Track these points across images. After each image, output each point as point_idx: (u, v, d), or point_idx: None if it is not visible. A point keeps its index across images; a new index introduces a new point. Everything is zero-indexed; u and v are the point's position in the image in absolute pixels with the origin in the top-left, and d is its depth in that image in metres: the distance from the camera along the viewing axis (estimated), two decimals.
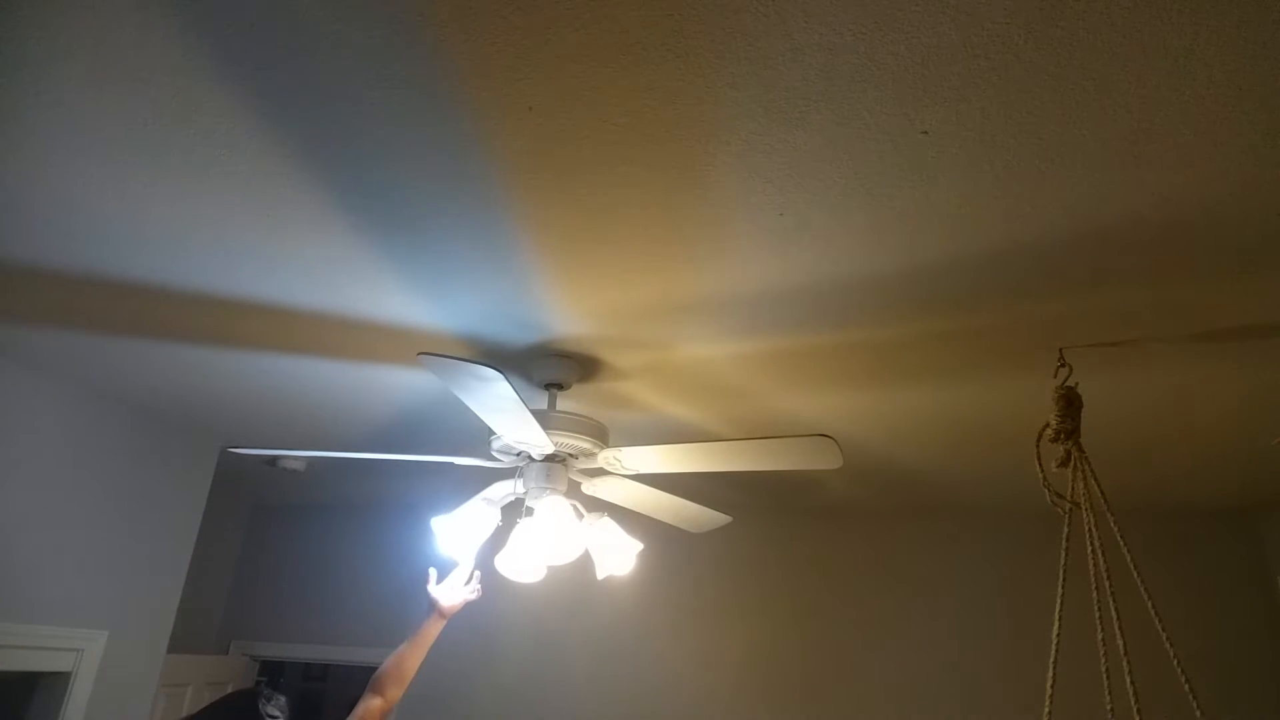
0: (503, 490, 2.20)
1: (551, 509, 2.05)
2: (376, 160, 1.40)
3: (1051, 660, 1.55)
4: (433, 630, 2.22)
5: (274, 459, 3.60)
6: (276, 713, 1.92)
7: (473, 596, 2.31)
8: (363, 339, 2.18)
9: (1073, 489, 1.69)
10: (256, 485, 4.24)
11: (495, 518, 2.20)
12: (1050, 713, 1.51)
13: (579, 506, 2.24)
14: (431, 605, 2.25)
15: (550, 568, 2.12)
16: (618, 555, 2.23)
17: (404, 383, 2.51)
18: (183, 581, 3.16)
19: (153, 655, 3.02)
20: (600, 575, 2.28)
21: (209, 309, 2.04)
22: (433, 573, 2.30)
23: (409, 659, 2.15)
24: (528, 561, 2.11)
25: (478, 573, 2.33)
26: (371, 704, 2.05)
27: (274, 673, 4.73)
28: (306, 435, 3.10)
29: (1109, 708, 1.47)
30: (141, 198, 1.56)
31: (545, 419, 1.98)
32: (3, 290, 2.00)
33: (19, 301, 2.07)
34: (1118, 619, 1.51)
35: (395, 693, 2.10)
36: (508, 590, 4.00)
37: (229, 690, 4.12)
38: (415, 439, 3.05)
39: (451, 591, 2.28)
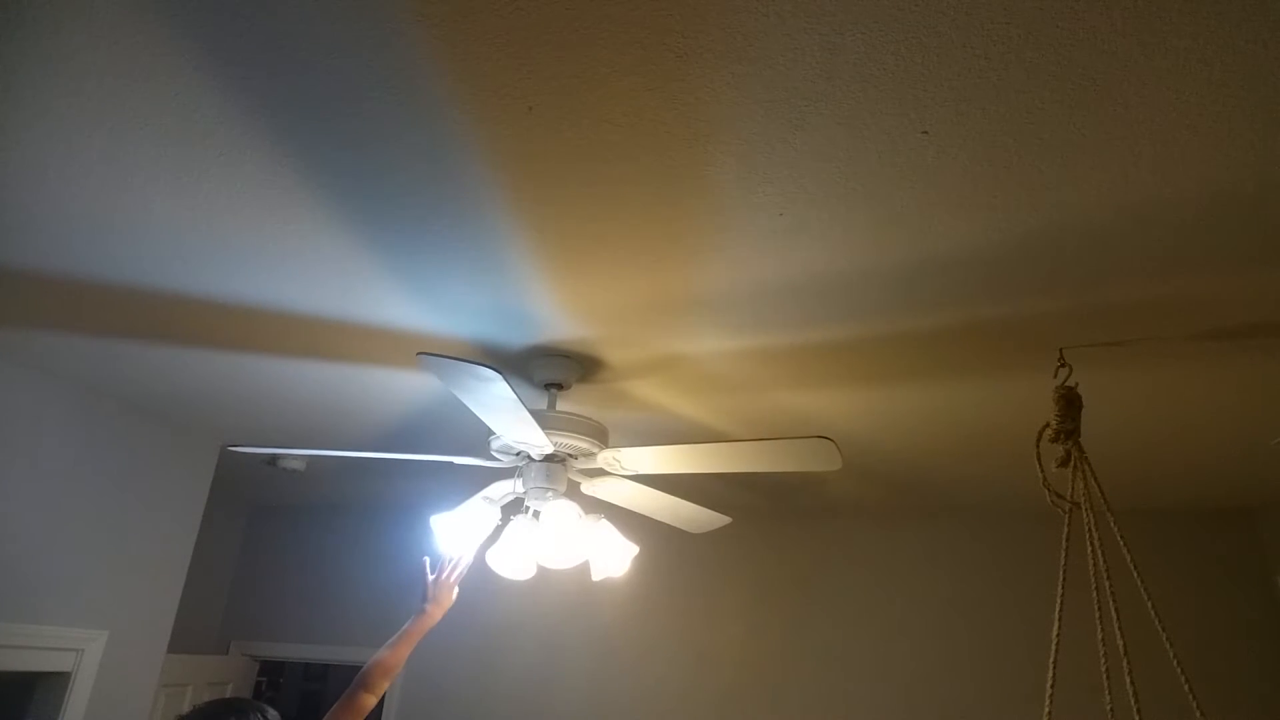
0: (502, 490, 2.21)
1: (558, 513, 2.05)
2: (376, 161, 1.40)
3: (1051, 660, 1.55)
4: (424, 626, 2.19)
5: (274, 459, 3.60)
6: None
7: (452, 597, 2.29)
8: (363, 341, 2.18)
9: (1073, 489, 1.69)
10: (256, 486, 4.24)
11: (495, 516, 2.21)
12: (1050, 713, 1.51)
13: (578, 508, 2.25)
14: (426, 598, 2.23)
15: (550, 570, 2.13)
16: (613, 557, 2.23)
17: (404, 383, 2.51)
18: (183, 581, 3.16)
19: (153, 655, 3.02)
20: (596, 577, 2.29)
21: (208, 310, 2.04)
22: (428, 562, 2.28)
23: (399, 653, 2.13)
24: (519, 558, 2.11)
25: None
26: (364, 700, 2.03)
27: (274, 673, 4.73)
28: (306, 435, 3.10)
29: (1109, 708, 1.47)
30: (142, 199, 1.56)
31: (545, 419, 1.98)
32: (3, 291, 2.01)
33: (20, 302, 2.07)
34: (1118, 619, 1.51)
35: (383, 686, 2.09)
36: (508, 592, 4.01)
37: (229, 693, 4.12)
38: (415, 439, 3.05)
39: (448, 586, 2.26)
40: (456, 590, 2.30)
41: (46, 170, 1.49)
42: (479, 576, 3.84)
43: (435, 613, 2.22)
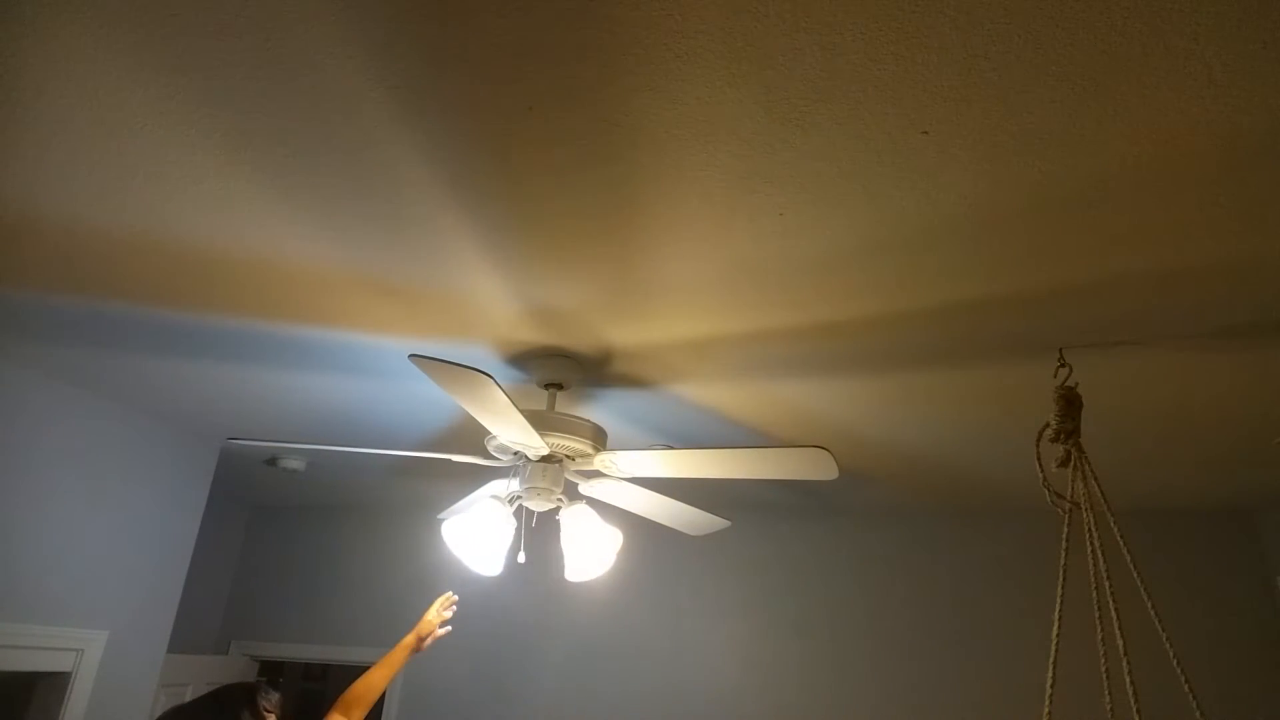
0: (500, 489, 2.20)
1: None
2: (381, 156, 1.40)
3: (1051, 660, 1.55)
4: (403, 656, 2.35)
5: (274, 459, 3.60)
6: (272, 709, 1.93)
7: (442, 632, 2.45)
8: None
9: (1073, 489, 1.69)
10: (256, 486, 4.23)
11: (509, 517, 2.17)
12: (1050, 713, 1.51)
13: (564, 499, 2.21)
14: (415, 629, 2.41)
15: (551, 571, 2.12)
16: (593, 550, 2.02)
17: (402, 373, 2.50)
18: (183, 581, 3.16)
19: (153, 655, 3.02)
20: (570, 576, 2.09)
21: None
22: (444, 598, 2.48)
23: (378, 681, 2.26)
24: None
25: (448, 629, 2.49)
26: None
27: (274, 673, 4.73)
28: (308, 434, 3.10)
29: (1109, 708, 1.48)
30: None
31: (542, 420, 1.98)
32: (3, 288, 2.01)
33: (20, 302, 2.07)
34: (1118, 619, 1.51)
35: (360, 714, 2.20)
36: (506, 591, 4.01)
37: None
38: (414, 434, 3.05)
39: (438, 621, 2.44)
40: (446, 628, 2.46)
41: (49, 162, 1.49)
42: (478, 577, 3.84)
43: (414, 646, 2.39)
